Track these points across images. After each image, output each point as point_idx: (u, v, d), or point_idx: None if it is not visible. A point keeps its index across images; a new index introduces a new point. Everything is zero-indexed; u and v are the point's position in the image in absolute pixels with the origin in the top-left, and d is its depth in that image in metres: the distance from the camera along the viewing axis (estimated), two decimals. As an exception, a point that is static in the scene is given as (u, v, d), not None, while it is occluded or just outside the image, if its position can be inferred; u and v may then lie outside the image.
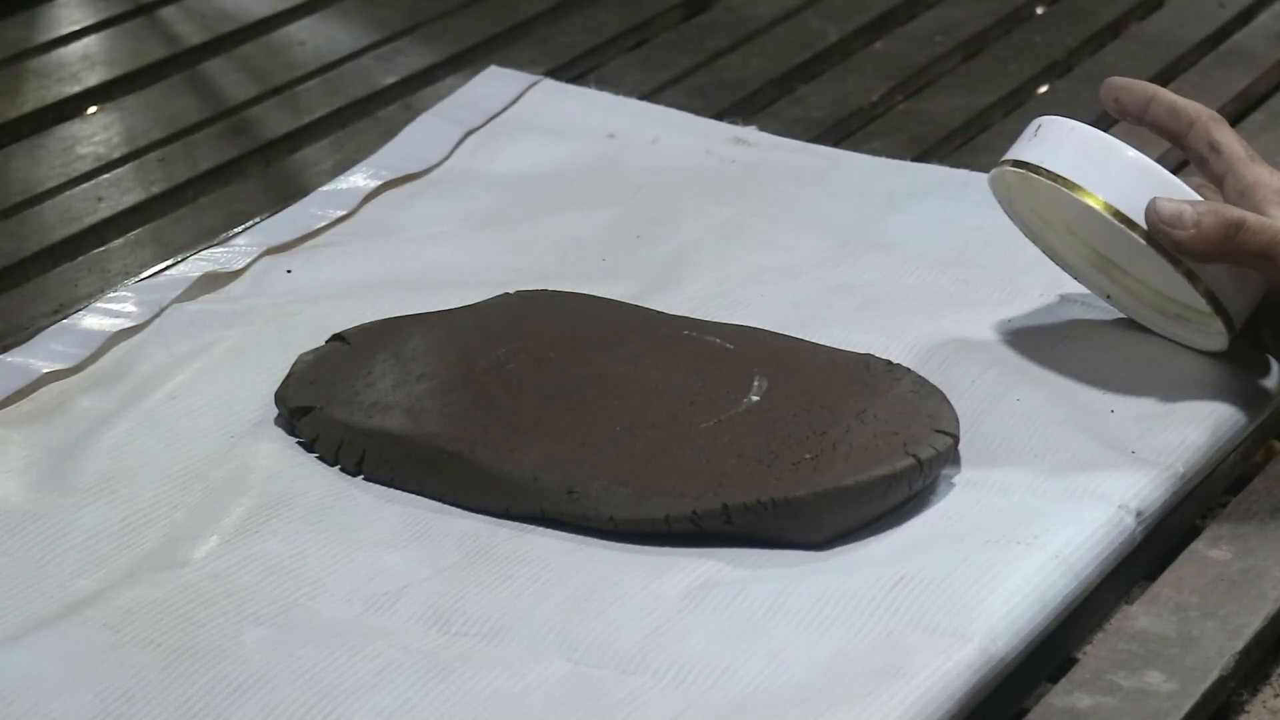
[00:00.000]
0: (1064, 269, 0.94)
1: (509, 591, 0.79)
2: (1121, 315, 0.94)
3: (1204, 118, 0.91)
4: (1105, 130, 0.91)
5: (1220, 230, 0.86)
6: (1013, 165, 0.90)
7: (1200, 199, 0.88)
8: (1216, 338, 0.90)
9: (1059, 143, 0.89)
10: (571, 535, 0.82)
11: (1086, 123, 0.90)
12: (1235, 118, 1.18)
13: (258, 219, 1.05)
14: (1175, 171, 0.93)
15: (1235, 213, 0.87)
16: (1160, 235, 0.87)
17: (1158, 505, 0.84)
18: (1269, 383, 0.91)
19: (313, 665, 0.75)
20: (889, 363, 0.89)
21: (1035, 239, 0.94)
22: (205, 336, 0.94)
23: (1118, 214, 0.88)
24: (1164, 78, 1.22)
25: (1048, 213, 0.93)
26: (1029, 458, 0.85)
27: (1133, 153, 0.89)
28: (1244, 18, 1.28)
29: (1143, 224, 0.87)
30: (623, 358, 0.89)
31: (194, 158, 1.13)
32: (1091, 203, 0.88)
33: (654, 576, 0.79)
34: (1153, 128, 0.93)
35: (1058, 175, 0.89)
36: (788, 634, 0.76)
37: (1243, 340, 0.91)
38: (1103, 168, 0.89)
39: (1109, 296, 0.94)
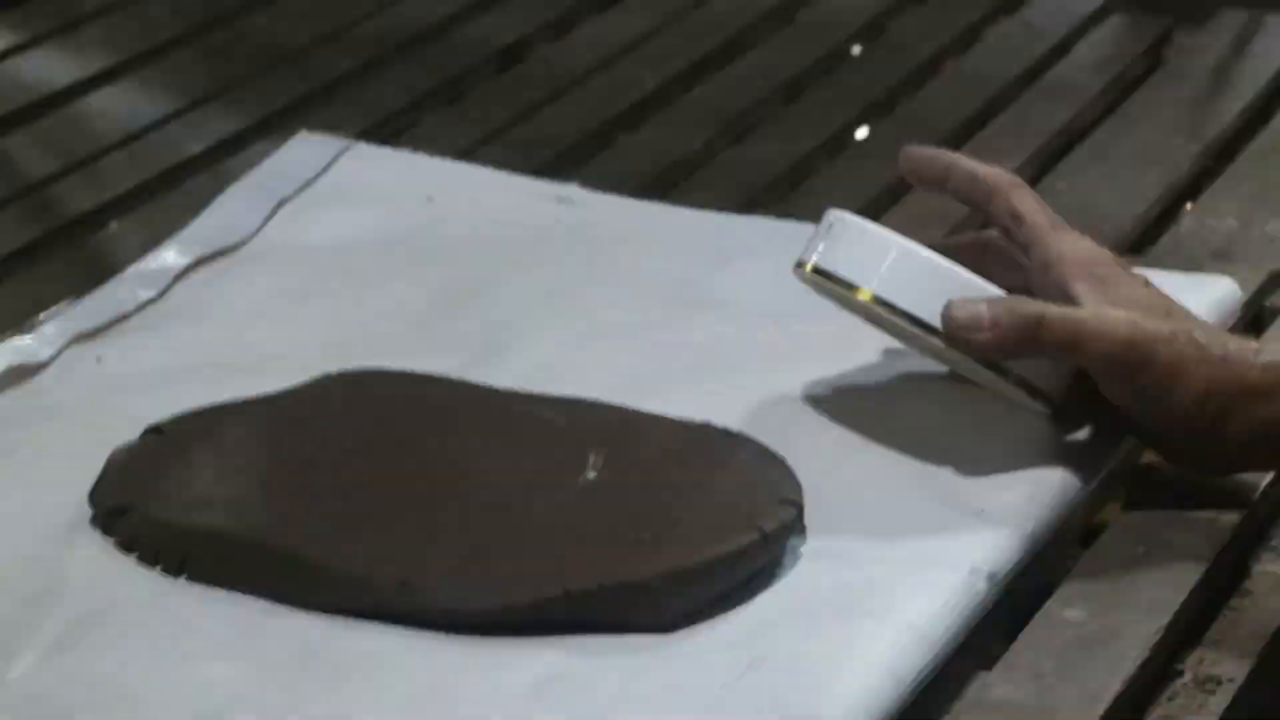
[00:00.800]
0: (888, 334, 0.91)
1: (344, 697, 0.75)
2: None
3: (1004, 186, 0.89)
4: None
5: (1019, 329, 0.84)
6: (811, 271, 0.88)
7: (999, 294, 0.86)
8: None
9: (850, 245, 0.87)
10: (408, 631, 0.78)
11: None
12: (1058, 154, 1.16)
13: (64, 304, 1.00)
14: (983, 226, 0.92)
15: (1033, 308, 0.84)
16: (958, 340, 0.85)
17: (1009, 566, 0.81)
18: (1108, 432, 0.89)
19: (139, 792, 0.70)
20: (727, 431, 0.85)
21: (854, 312, 0.90)
22: (12, 435, 0.89)
23: (915, 320, 0.86)
24: (984, 115, 1.20)
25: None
26: (875, 523, 0.83)
27: (925, 253, 0.87)
28: (1061, 50, 1.27)
29: (939, 325, 0.85)
30: (452, 439, 0.85)
31: (-6, 240, 1.08)
32: (886, 312, 0.86)
33: (497, 672, 0.75)
34: (954, 196, 0.91)
35: (851, 284, 0.86)
36: (639, 727, 0.73)
37: (1080, 401, 0.88)
38: (893, 270, 0.86)
39: (938, 356, 0.91)
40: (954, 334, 0.85)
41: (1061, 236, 0.87)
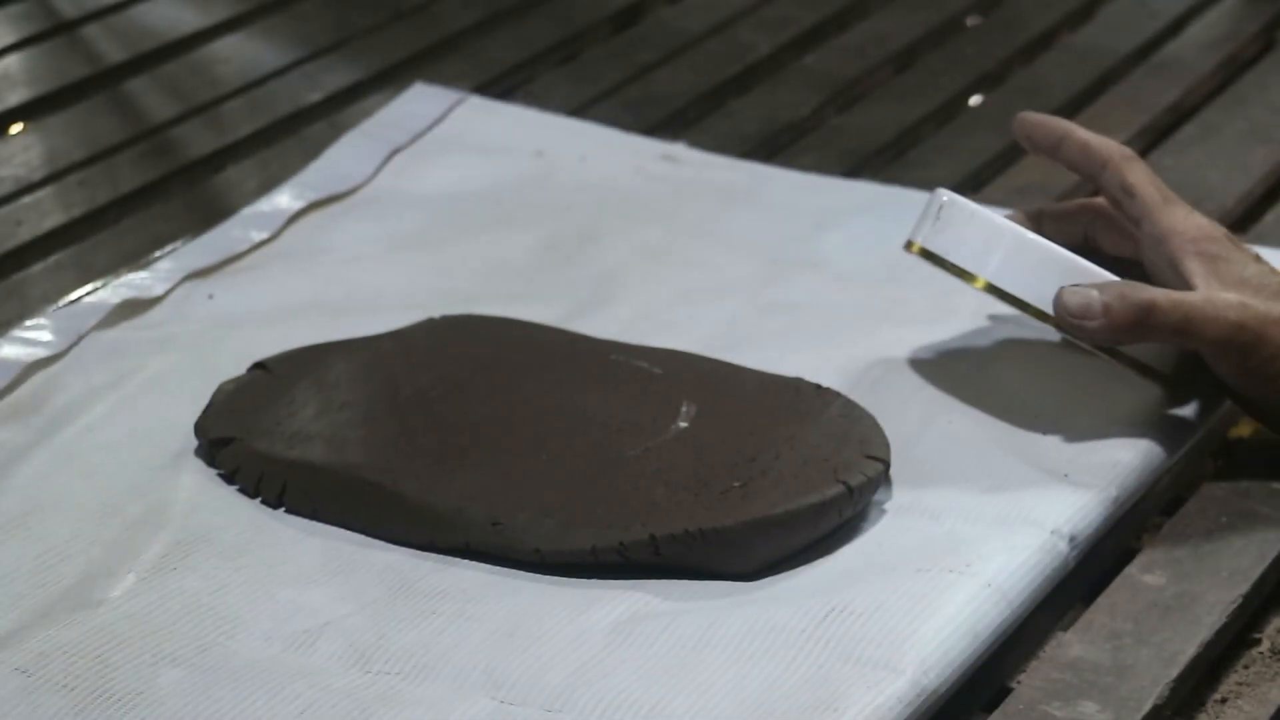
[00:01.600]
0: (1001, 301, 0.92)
1: (433, 627, 0.77)
2: (1051, 337, 0.92)
3: (1116, 158, 0.89)
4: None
5: (1131, 316, 0.84)
6: (920, 253, 0.89)
7: (1110, 278, 0.86)
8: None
9: (961, 230, 0.88)
10: (497, 568, 0.80)
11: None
12: (1166, 130, 1.17)
13: (180, 242, 1.03)
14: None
15: (1144, 295, 0.85)
16: (1069, 327, 0.86)
17: (1091, 530, 0.82)
18: (1200, 403, 0.89)
19: (231, 708, 0.73)
20: (819, 386, 0.87)
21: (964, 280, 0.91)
22: (125, 365, 0.92)
23: (1026, 306, 0.87)
24: (1095, 89, 1.21)
25: None
26: (960, 482, 0.84)
27: (1032, 238, 0.88)
28: (1174, 28, 1.27)
29: (1051, 312, 0.86)
30: (549, 384, 0.87)
31: (116, 179, 1.11)
32: (997, 297, 0.87)
33: (581, 610, 0.77)
34: (1065, 166, 0.91)
35: (964, 270, 0.88)
36: (716, 668, 0.75)
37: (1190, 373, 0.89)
38: (1005, 257, 0.87)
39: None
40: (1066, 321, 0.85)
41: (1173, 211, 0.88)
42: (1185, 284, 0.86)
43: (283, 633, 0.76)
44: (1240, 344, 0.84)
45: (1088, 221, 0.92)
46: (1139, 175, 0.89)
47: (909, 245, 0.89)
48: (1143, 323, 0.85)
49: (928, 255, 0.89)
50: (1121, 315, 0.85)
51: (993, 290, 0.88)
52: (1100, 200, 0.92)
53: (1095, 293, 0.85)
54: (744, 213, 1.05)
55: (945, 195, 0.89)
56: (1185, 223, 0.88)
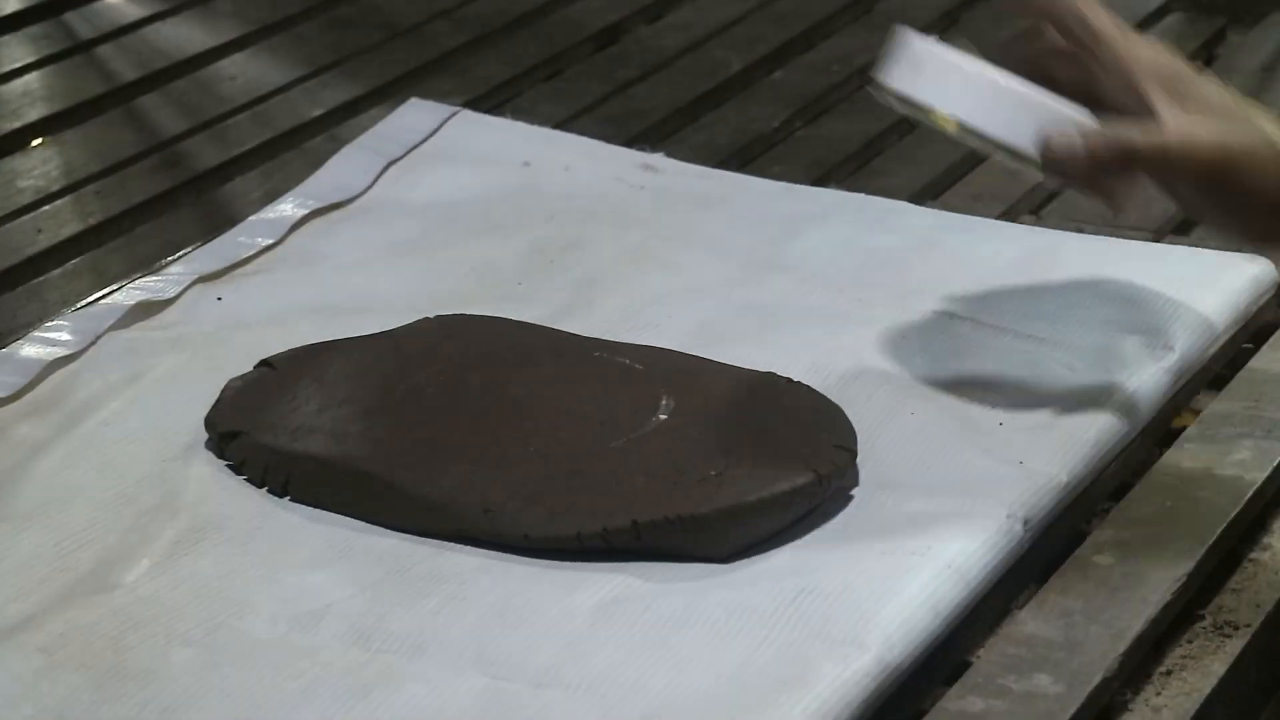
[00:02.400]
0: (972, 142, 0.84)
1: (428, 609, 0.76)
2: (1006, 335, 0.91)
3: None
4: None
5: (1114, 158, 0.80)
6: (900, 100, 0.82)
7: (1081, 114, 0.82)
8: None
9: (930, 71, 0.80)
10: (488, 552, 0.79)
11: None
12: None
13: (190, 248, 1.02)
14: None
15: (1126, 138, 0.80)
16: (1054, 168, 0.81)
17: (1044, 513, 0.82)
18: (1146, 395, 0.89)
19: (239, 684, 0.72)
20: (790, 380, 0.86)
21: (936, 123, 0.83)
22: (138, 364, 0.91)
23: (999, 145, 0.81)
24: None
25: None
26: (922, 470, 0.83)
27: (1002, 78, 0.81)
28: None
29: (1034, 155, 0.81)
30: (536, 380, 0.86)
31: (129, 190, 1.10)
32: (969, 139, 0.81)
33: (567, 592, 0.77)
34: (1029, 13, 0.85)
35: (947, 117, 0.81)
36: (694, 646, 0.74)
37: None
38: (977, 97, 0.80)
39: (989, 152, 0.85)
40: (1049, 162, 0.81)
41: (1133, 42, 0.82)
42: (1147, 109, 0.81)
43: (287, 614, 0.76)
44: (1216, 179, 0.80)
45: (1044, 54, 0.85)
46: (1096, 11, 0.82)
47: (885, 90, 0.82)
48: (1124, 164, 0.81)
49: (898, 98, 0.82)
50: (1105, 157, 0.80)
51: (965, 131, 0.81)
52: (1051, 39, 0.85)
53: (1080, 138, 0.81)
54: (718, 219, 1.04)
55: (915, 36, 0.81)
56: (1146, 53, 0.82)
